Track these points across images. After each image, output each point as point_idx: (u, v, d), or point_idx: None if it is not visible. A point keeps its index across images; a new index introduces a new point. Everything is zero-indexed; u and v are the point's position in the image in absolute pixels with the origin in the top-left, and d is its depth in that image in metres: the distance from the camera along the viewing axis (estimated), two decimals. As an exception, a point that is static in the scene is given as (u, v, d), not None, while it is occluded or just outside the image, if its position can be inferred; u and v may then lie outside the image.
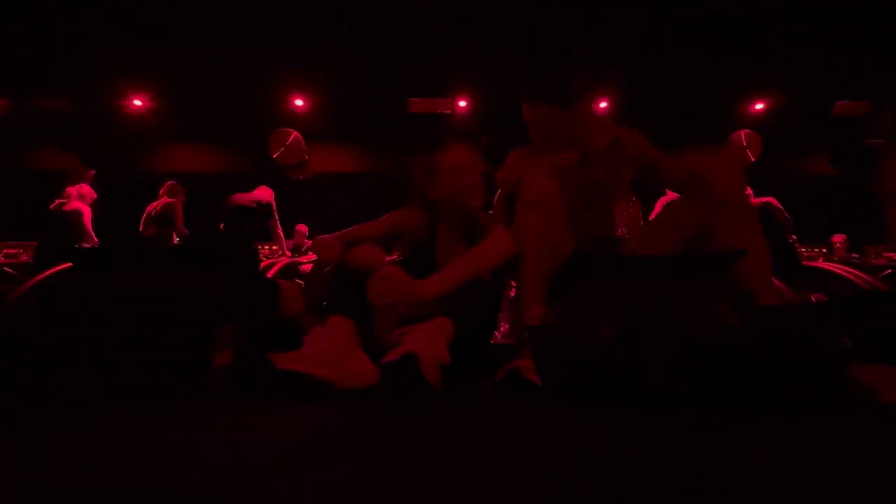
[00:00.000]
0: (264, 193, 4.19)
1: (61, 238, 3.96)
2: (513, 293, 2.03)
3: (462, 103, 5.74)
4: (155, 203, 4.23)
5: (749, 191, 4.14)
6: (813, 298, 3.14)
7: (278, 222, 4.26)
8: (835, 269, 3.70)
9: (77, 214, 4.07)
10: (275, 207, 4.21)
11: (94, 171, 5.20)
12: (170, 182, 4.35)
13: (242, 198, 4.08)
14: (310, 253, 4.19)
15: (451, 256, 1.45)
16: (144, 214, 4.23)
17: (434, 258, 1.52)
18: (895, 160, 1.95)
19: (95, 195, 4.32)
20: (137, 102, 5.63)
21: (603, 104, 5.38)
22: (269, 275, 3.38)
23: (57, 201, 4.13)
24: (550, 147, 1.55)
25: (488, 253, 1.35)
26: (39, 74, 5.06)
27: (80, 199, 4.16)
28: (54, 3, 4.02)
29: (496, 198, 3.34)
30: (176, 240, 4.14)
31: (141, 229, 4.22)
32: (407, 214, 1.57)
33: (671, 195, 3.89)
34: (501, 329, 2.49)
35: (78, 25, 4.29)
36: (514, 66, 4.76)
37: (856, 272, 3.55)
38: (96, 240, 4.15)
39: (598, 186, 1.62)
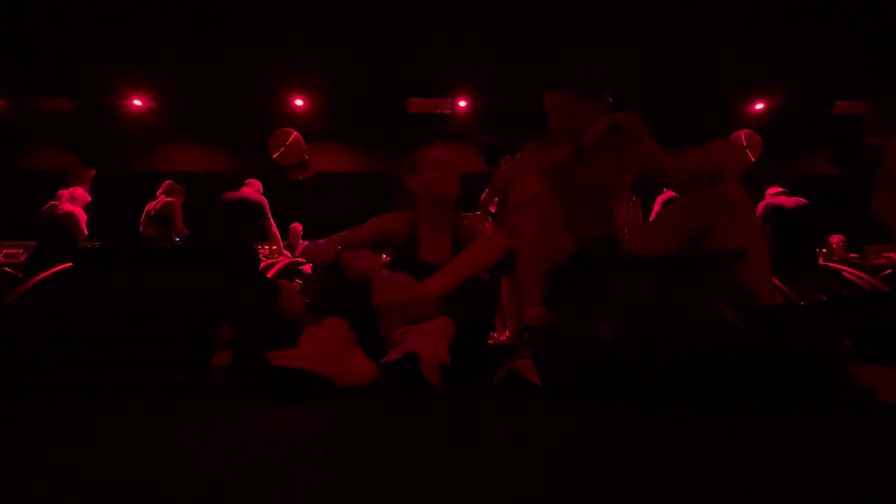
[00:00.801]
0: (252, 191, 4.19)
1: (56, 241, 3.96)
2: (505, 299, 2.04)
3: (462, 103, 5.75)
4: (154, 202, 4.23)
5: (777, 188, 4.14)
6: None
7: (272, 221, 4.26)
8: (836, 269, 3.72)
9: (72, 217, 4.07)
10: (267, 207, 4.21)
11: (94, 172, 5.20)
12: (167, 182, 4.35)
13: (233, 197, 4.09)
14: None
15: (436, 255, 1.52)
16: (144, 214, 4.23)
17: (418, 257, 1.54)
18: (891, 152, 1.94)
19: (89, 198, 4.31)
20: (137, 102, 5.63)
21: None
22: (269, 275, 3.38)
23: (49, 204, 4.12)
24: (566, 138, 1.55)
25: (483, 251, 1.39)
26: (39, 74, 5.06)
27: (71, 201, 4.16)
28: (55, 3, 4.02)
29: (482, 196, 3.33)
30: (176, 240, 4.14)
31: (141, 229, 4.22)
32: (392, 218, 1.63)
33: (671, 194, 3.89)
34: (507, 333, 2.50)
35: (78, 25, 4.29)
36: (515, 64, 4.76)
37: (856, 272, 3.55)
38: (85, 232, 4.14)
39: (598, 186, 1.62)
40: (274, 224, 4.29)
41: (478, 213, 3.34)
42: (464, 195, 1.62)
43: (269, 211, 4.23)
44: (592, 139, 1.48)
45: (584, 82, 1.58)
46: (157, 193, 4.29)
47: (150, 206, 4.22)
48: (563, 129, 1.59)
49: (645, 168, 1.66)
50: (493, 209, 3.22)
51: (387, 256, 1.67)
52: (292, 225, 5.31)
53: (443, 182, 1.55)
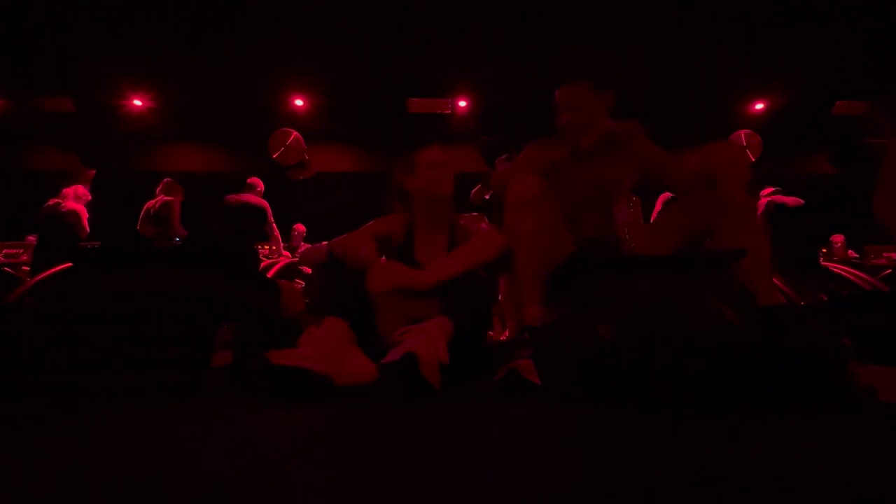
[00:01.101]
0: (254, 196, 4.22)
1: (60, 238, 3.97)
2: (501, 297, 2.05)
3: (462, 103, 5.74)
4: (153, 201, 4.23)
5: (770, 189, 4.14)
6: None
7: (273, 224, 4.28)
8: (836, 269, 3.72)
9: (75, 215, 4.08)
10: (269, 210, 4.22)
11: (94, 172, 5.21)
12: (166, 180, 4.35)
13: (234, 200, 4.11)
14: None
15: (432, 255, 1.53)
16: (143, 213, 4.23)
17: (414, 259, 1.56)
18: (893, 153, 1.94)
19: (90, 197, 4.33)
20: (137, 102, 5.63)
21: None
22: (269, 275, 3.38)
23: (53, 201, 4.13)
24: (576, 133, 1.56)
25: (481, 248, 1.40)
26: (39, 74, 5.06)
27: (75, 199, 4.17)
28: (55, 3, 4.02)
29: (473, 192, 3.35)
30: (176, 240, 4.14)
31: (139, 227, 4.22)
32: (389, 220, 1.65)
33: (671, 194, 3.89)
34: (506, 333, 2.49)
35: (78, 25, 4.29)
36: (515, 64, 4.76)
37: (856, 272, 3.56)
38: (87, 229, 4.16)
39: (598, 186, 1.63)
40: (276, 228, 4.31)
41: (474, 213, 3.35)
42: (461, 195, 1.62)
43: (271, 214, 4.24)
44: (589, 144, 1.49)
45: (594, 75, 1.60)
46: (156, 192, 4.30)
47: (149, 205, 4.23)
48: (572, 123, 1.60)
49: (645, 169, 1.66)
50: (487, 196, 3.24)
51: (385, 258, 1.68)
52: (295, 226, 5.31)
53: (439, 182, 1.57)
